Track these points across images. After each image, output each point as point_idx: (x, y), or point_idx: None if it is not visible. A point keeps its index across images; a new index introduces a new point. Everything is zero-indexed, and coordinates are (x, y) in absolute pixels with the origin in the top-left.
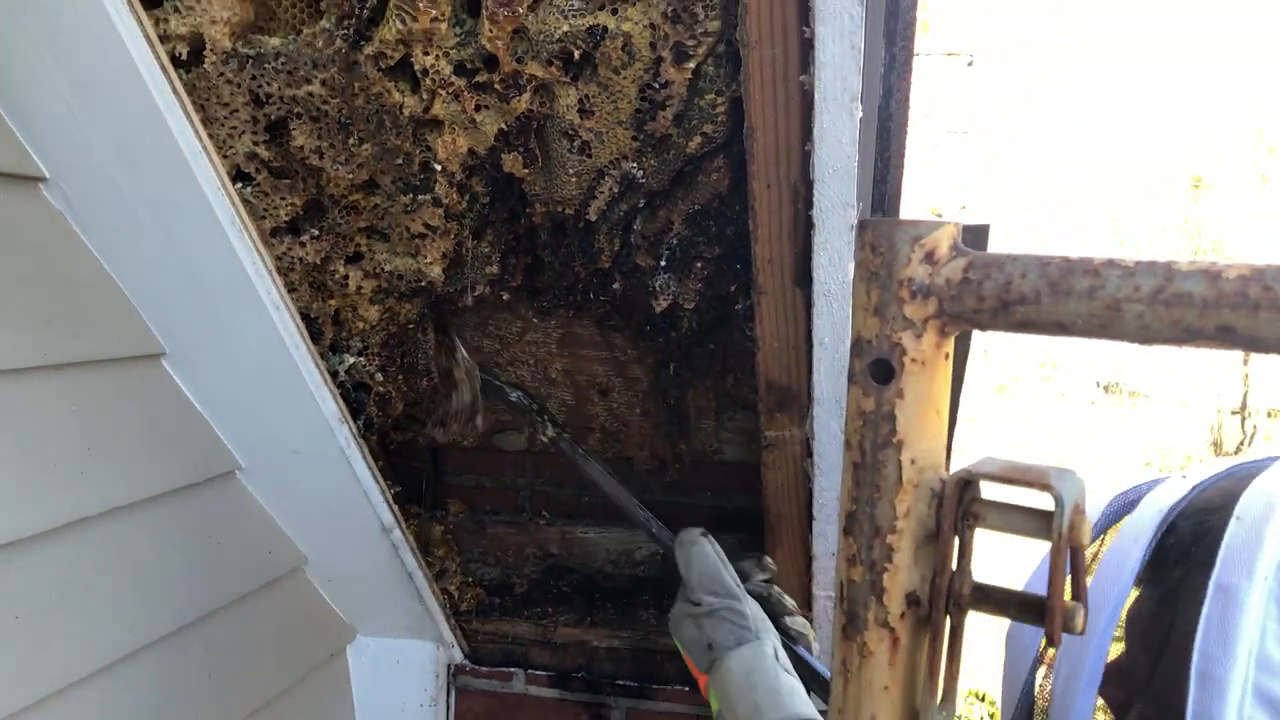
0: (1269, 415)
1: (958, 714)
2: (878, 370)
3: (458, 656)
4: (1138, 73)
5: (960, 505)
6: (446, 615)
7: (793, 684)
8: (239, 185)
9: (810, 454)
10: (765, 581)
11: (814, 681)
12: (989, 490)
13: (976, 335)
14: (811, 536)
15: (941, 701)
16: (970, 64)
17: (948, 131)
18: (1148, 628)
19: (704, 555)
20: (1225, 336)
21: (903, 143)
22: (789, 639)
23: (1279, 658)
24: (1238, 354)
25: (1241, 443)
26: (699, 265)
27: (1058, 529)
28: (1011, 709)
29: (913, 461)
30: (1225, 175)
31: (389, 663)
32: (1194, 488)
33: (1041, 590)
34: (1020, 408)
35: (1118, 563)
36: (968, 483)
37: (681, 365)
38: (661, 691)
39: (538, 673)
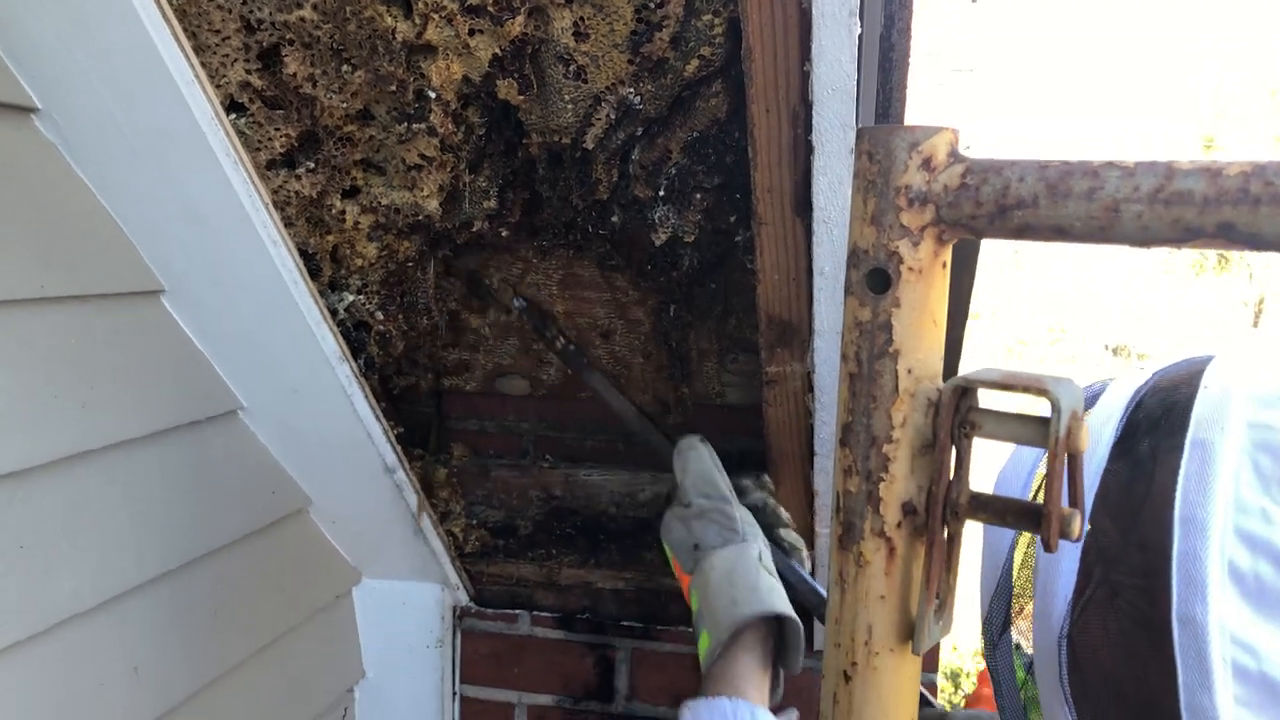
0: None
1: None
2: (874, 280)
3: (463, 599)
4: (1151, 32)
5: (957, 414)
6: (451, 558)
7: (773, 583)
8: (233, 116)
9: (811, 389)
10: (762, 495)
11: (813, 597)
12: (986, 399)
13: (988, 299)
14: (813, 472)
15: (938, 610)
16: (975, 0)
17: (953, 70)
18: (1118, 499)
19: (699, 458)
20: (1226, 234)
21: (904, 74)
22: (782, 550)
23: (1252, 500)
24: (1248, 317)
25: None
26: (698, 196)
27: (1055, 435)
28: (990, 591)
29: (909, 371)
30: (1237, 136)
31: (395, 605)
32: (1156, 373)
33: (1010, 488)
34: (1035, 370)
35: (1089, 446)
36: (965, 391)
37: (683, 306)
38: (665, 632)
39: (543, 614)
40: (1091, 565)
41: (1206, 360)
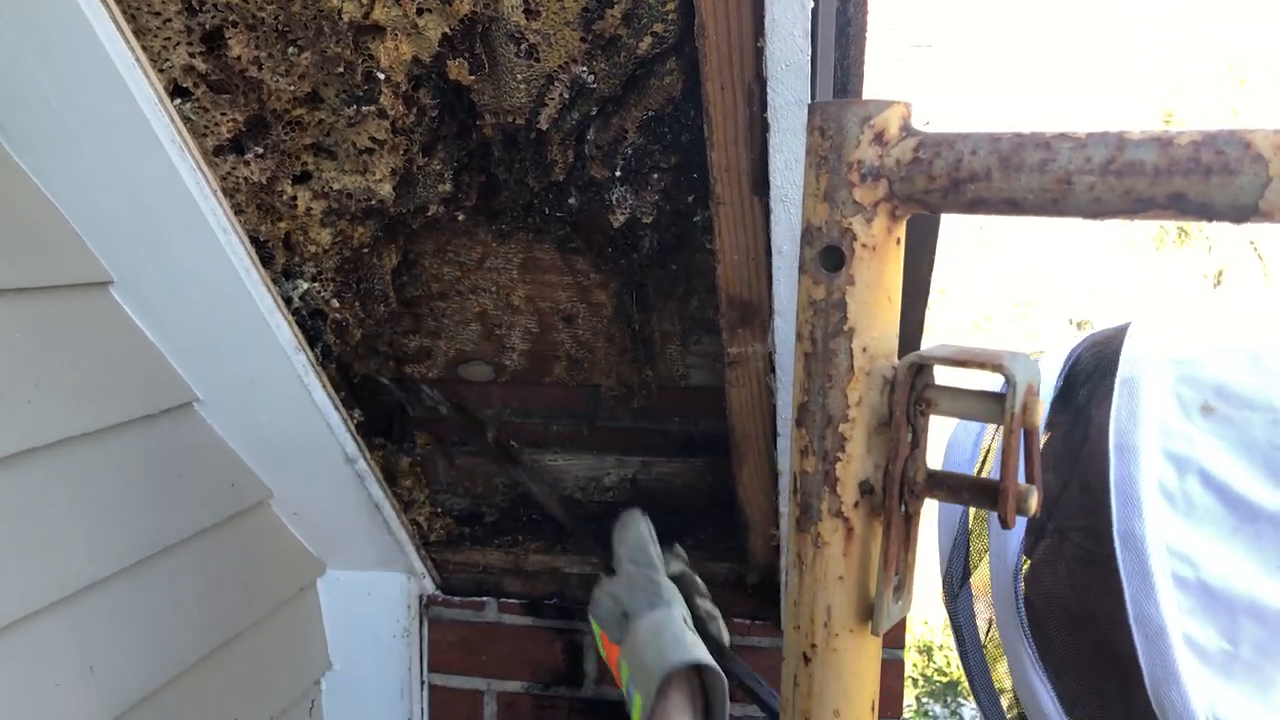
0: None
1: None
2: (828, 258)
3: (429, 587)
4: (1111, 7)
5: (913, 391)
6: (416, 546)
7: (696, 639)
8: (177, 101)
9: (773, 369)
10: (679, 565)
11: (755, 698)
12: (942, 376)
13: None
14: (776, 452)
15: (897, 589)
16: None
17: (912, 45)
18: (1060, 449)
19: (636, 527)
20: (1177, 204)
21: (862, 49)
22: (699, 619)
23: (1176, 426)
24: (1208, 289)
25: None
26: (655, 176)
27: (1010, 410)
28: (949, 545)
29: (864, 349)
30: (1196, 109)
31: (360, 595)
32: (1088, 336)
33: (961, 449)
34: (995, 346)
35: None
36: (920, 368)
37: (644, 288)
38: None
39: (510, 601)
40: (1040, 516)
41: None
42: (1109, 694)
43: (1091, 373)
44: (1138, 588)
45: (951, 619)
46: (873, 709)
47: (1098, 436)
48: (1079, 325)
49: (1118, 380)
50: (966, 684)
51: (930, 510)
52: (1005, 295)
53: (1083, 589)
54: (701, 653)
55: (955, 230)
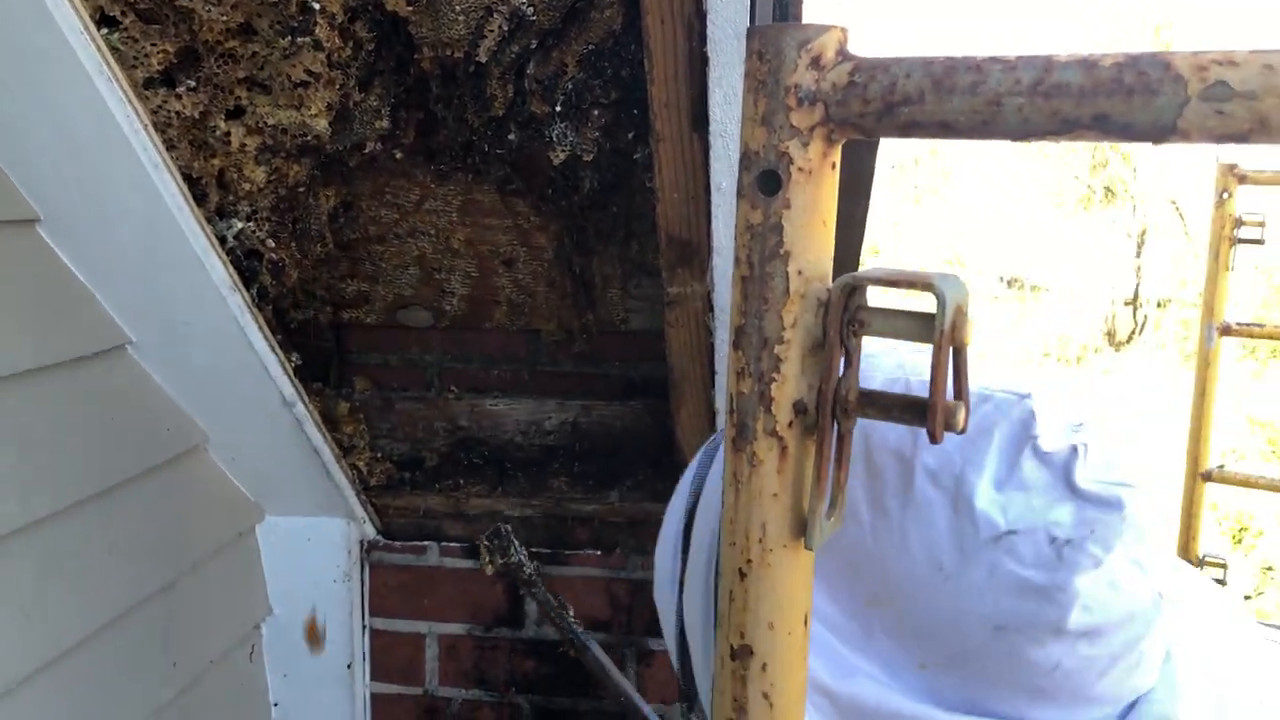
0: (1159, 305)
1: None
2: (765, 182)
3: (370, 532)
4: None
5: (846, 312)
6: (356, 491)
7: None
8: (105, 31)
9: (711, 308)
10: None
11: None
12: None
13: (888, 235)
14: (714, 392)
15: (830, 506)
16: None
17: None
18: None
19: None
20: (1101, 125)
21: None
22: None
23: None
24: (1131, 248)
25: (1133, 332)
26: (595, 112)
27: (940, 327)
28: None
29: (800, 272)
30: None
31: (300, 540)
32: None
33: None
34: (925, 303)
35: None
36: (854, 290)
37: (585, 231)
38: (574, 556)
39: (451, 544)
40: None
41: None
42: None
43: None
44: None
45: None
46: (805, 622)
47: None
48: (1009, 282)
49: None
50: None
51: None
52: (937, 253)
53: None
54: None
55: (890, 190)
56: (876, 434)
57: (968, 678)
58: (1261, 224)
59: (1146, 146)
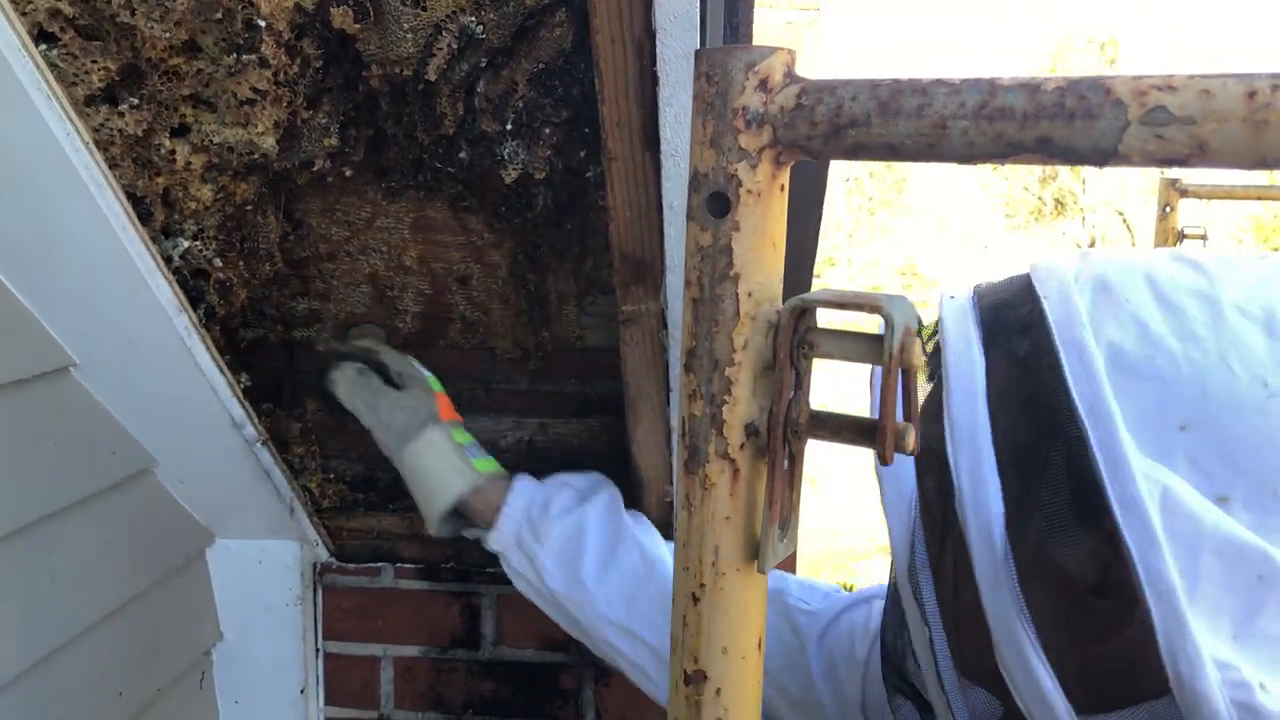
0: None
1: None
2: (714, 204)
3: (323, 555)
4: None
5: (796, 334)
6: (309, 513)
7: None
8: (43, 47)
9: (665, 325)
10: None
11: None
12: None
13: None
14: (670, 409)
15: (782, 528)
16: None
17: (800, 8)
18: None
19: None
20: (1044, 148)
21: (750, 10)
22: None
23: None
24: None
25: None
26: (547, 131)
27: (889, 350)
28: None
29: (749, 294)
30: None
31: (251, 564)
32: (974, 288)
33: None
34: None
35: (960, 350)
36: (803, 311)
37: (539, 248)
38: None
39: (406, 566)
40: (1009, 472)
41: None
42: (1113, 664)
43: (1009, 326)
44: (1144, 547)
45: (909, 603)
46: (759, 645)
47: (1061, 395)
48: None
49: (1058, 341)
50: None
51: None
52: (890, 267)
53: (1082, 558)
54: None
55: (842, 207)
56: (1164, 277)
57: (1273, 512)
58: (1203, 236)
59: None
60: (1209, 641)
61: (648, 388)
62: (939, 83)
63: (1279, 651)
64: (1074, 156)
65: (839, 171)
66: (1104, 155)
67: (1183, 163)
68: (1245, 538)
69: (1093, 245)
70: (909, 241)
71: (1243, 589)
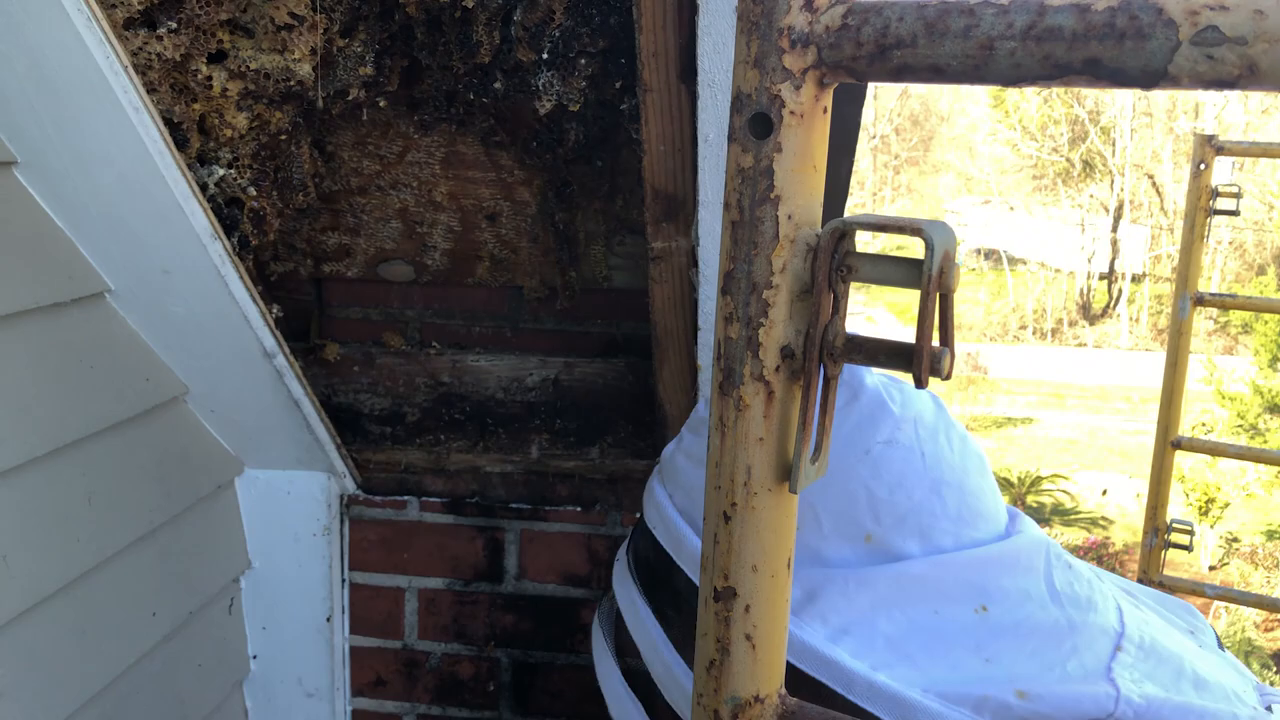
0: (1134, 280)
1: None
2: (756, 125)
3: (350, 486)
4: None
5: (835, 258)
6: (337, 445)
7: None
8: None
9: (695, 263)
10: None
11: None
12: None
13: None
14: (697, 347)
15: (814, 452)
16: None
17: None
18: None
19: None
20: (1091, 69)
21: None
22: None
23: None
24: (1108, 221)
25: (1108, 305)
26: (582, 61)
27: (927, 273)
28: None
29: (789, 217)
30: None
31: (280, 494)
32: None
33: None
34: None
35: None
36: (843, 235)
37: (569, 186)
38: (554, 513)
39: (431, 500)
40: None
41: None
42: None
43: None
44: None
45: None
46: (788, 565)
47: None
48: (986, 254)
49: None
50: None
51: None
52: None
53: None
54: None
55: (868, 164)
56: None
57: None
58: (1237, 195)
59: (1127, 118)
60: None
61: (675, 326)
62: (987, 3)
63: None
64: (1122, 78)
65: (863, 132)
66: (1153, 77)
67: (1233, 85)
68: None
69: (1120, 208)
70: (933, 201)
71: None
